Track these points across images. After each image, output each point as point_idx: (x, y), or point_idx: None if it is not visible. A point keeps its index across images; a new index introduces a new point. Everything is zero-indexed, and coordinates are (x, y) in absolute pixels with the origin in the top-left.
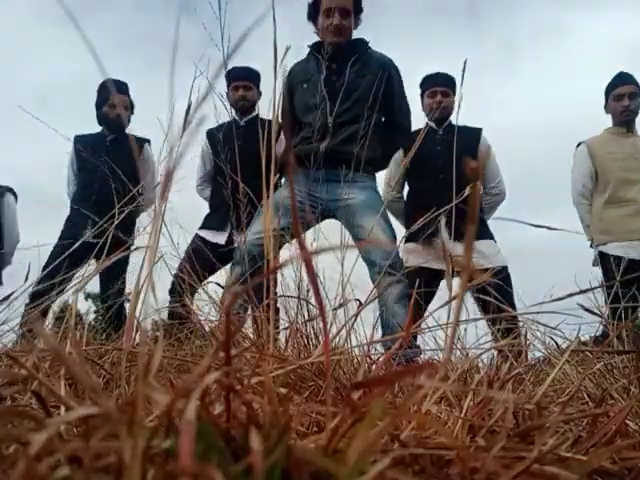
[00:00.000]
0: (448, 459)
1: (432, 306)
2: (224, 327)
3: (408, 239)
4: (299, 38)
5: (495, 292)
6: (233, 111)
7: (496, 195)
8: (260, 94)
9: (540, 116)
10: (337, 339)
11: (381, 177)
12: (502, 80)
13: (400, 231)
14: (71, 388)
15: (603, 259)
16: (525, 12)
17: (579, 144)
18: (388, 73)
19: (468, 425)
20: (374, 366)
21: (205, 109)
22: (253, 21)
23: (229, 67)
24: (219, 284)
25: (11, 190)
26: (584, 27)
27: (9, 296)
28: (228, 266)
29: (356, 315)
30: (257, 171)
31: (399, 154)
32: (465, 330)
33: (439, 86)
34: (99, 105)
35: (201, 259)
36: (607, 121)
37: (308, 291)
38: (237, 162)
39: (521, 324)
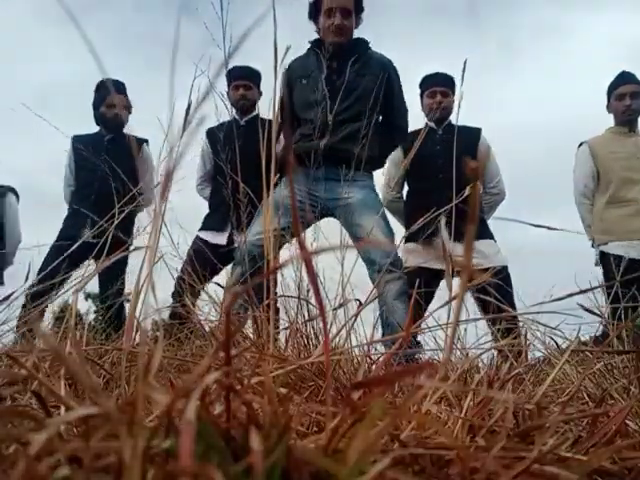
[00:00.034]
0: (448, 459)
1: (432, 306)
2: (224, 327)
3: (408, 239)
4: (299, 38)
5: (495, 292)
6: (233, 110)
7: (496, 195)
8: (260, 94)
9: (540, 116)
10: (337, 339)
11: (380, 177)
12: (502, 80)
13: (400, 231)
14: (71, 388)
15: (604, 259)
16: (525, 12)
17: (581, 144)
18: (388, 74)
19: (468, 425)
20: (374, 366)
21: (205, 109)
22: (253, 21)
23: (230, 66)
24: (219, 284)
25: (13, 190)
26: (584, 27)
27: (9, 296)
28: (229, 266)
29: (356, 315)
30: (257, 171)
31: (399, 154)
32: (465, 330)
33: (439, 86)
34: (96, 105)
35: (203, 261)
36: (607, 121)
37: (308, 291)
38: (237, 162)
39: (521, 324)
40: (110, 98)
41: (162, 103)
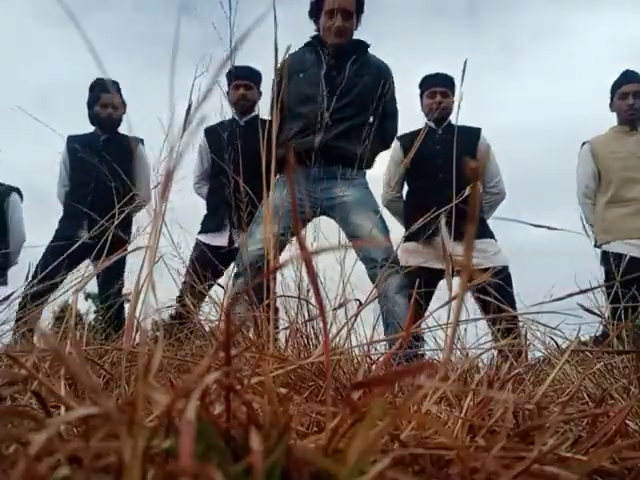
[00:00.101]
0: (448, 459)
1: (432, 306)
2: (224, 327)
3: (408, 239)
4: (299, 38)
5: (495, 292)
6: (233, 110)
7: (496, 195)
8: (261, 94)
9: (540, 116)
10: (337, 339)
11: (380, 177)
12: (502, 80)
13: (400, 231)
14: (71, 388)
15: (605, 258)
16: (525, 12)
17: (583, 144)
18: (385, 79)
19: (468, 425)
20: (374, 366)
21: (206, 109)
22: (253, 21)
23: (230, 67)
24: (220, 284)
25: (17, 190)
26: (584, 27)
27: (9, 296)
28: (230, 267)
29: (356, 315)
30: (257, 171)
31: (399, 154)
32: (465, 330)
33: (438, 86)
34: (90, 104)
35: (205, 265)
36: (607, 121)
37: (308, 291)
38: (237, 161)
39: (521, 324)
40: (104, 97)
41: (162, 103)
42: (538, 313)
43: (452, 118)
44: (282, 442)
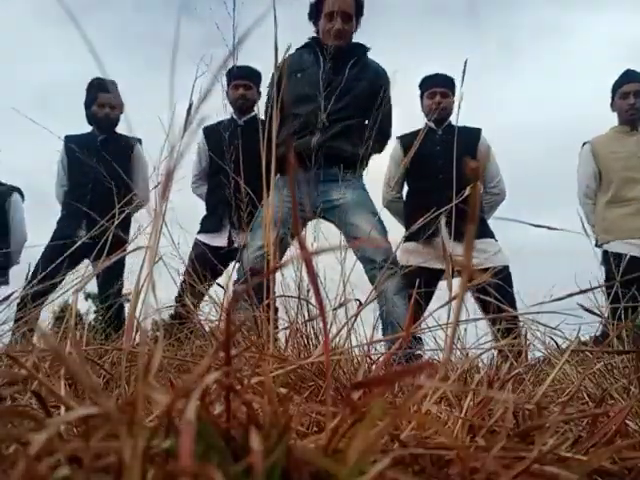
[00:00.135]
0: (448, 459)
1: (432, 306)
2: (224, 327)
3: (408, 239)
4: (299, 38)
5: (495, 292)
6: (232, 110)
7: (496, 195)
8: (260, 94)
9: (540, 116)
10: (337, 339)
11: (379, 179)
12: (502, 80)
13: (399, 231)
14: (71, 388)
15: (606, 258)
16: (525, 12)
17: (584, 144)
18: (382, 84)
19: (468, 425)
20: (374, 366)
21: (206, 109)
22: (253, 21)
23: (231, 66)
24: (219, 284)
25: (18, 190)
26: (584, 27)
27: (9, 296)
28: (229, 267)
29: (356, 315)
30: (256, 170)
31: (399, 154)
32: (465, 330)
33: (438, 87)
34: (88, 104)
35: (205, 265)
36: (608, 121)
37: (308, 291)
38: (236, 161)
39: (521, 324)
40: (102, 97)
41: (162, 103)
42: (538, 313)
43: (452, 118)
44: (282, 442)
